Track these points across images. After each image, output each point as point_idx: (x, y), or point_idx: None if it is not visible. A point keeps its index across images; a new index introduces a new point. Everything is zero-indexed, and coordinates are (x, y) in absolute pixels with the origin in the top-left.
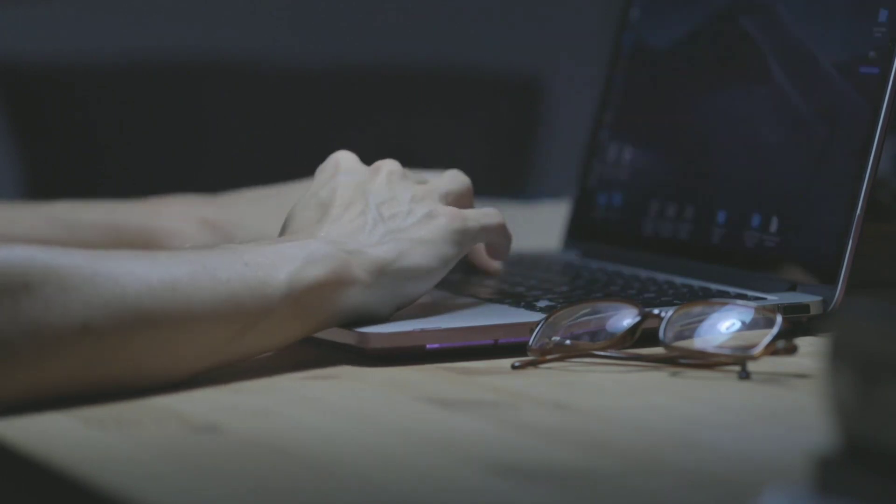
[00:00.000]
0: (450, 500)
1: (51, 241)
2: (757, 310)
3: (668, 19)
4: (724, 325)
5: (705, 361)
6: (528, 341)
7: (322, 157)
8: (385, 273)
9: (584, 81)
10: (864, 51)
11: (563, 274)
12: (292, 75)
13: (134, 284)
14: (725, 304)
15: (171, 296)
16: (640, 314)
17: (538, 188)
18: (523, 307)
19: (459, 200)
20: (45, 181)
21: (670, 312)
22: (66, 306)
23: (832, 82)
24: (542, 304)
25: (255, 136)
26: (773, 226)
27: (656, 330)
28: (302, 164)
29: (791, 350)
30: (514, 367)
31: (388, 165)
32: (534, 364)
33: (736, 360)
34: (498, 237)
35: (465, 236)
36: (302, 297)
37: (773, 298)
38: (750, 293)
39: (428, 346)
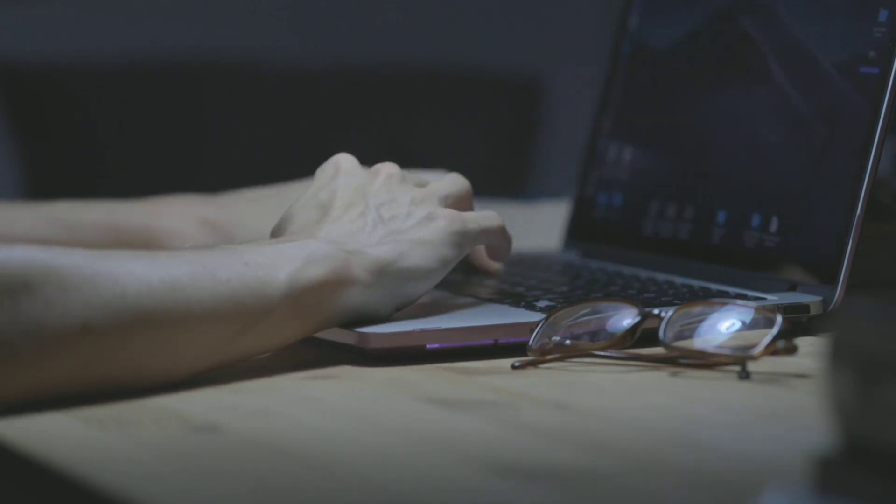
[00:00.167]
0: (450, 500)
1: (51, 241)
2: (757, 310)
3: (668, 19)
4: (724, 325)
5: (705, 361)
6: (528, 341)
7: (322, 158)
8: (385, 273)
9: (584, 82)
10: (864, 51)
11: (563, 274)
12: (292, 75)
13: (134, 284)
14: (725, 304)
15: (171, 296)
16: (640, 314)
17: (538, 188)
18: (523, 307)
19: (459, 203)
20: (45, 181)
21: (670, 312)
22: (66, 306)
23: (832, 82)
24: (542, 304)
25: (255, 136)
26: (773, 226)
27: (656, 330)
28: (302, 164)
29: (791, 350)
30: (514, 367)
31: (388, 168)
32: (534, 364)
33: (736, 360)
34: (497, 239)
35: (464, 238)
36: (302, 297)
37: (773, 298)
38: (750, 293)
39: (428, 346)
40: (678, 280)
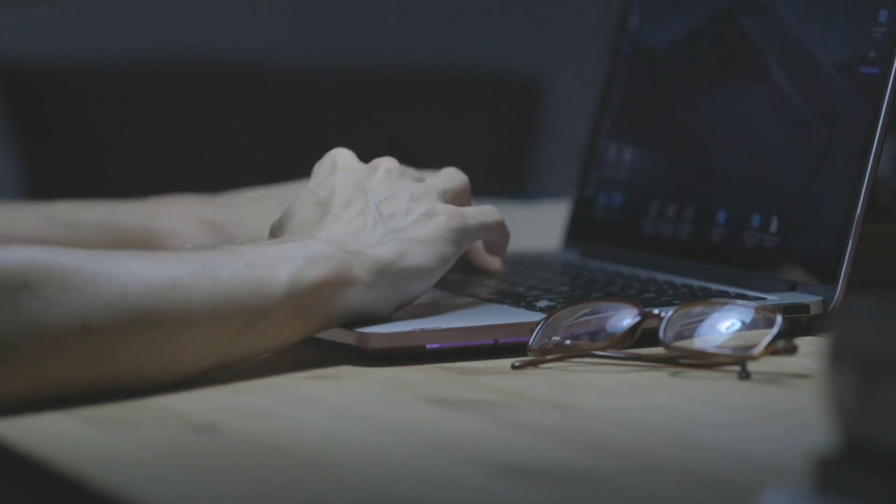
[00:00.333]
0: (450, 500)
1: (51, 241)
2: (757, 310)
3: (668, 19)
4: (724, 325)
5: (705, 361)
6: (528, 341)
7: (322, 157)
8: (386, 273)
9: (584, 82)
10: (864, 51)
11: (563, 274)
12: (292, 75)
13: (134, 284)
14: (725, 304)
15: (172, 296)
16: (640, 314)
17: (538, 188)
18: (523, 307)
19: (457, 198)
20: (45, 181)
21: (670, 312)
22: (66, 306)
23: (832, 82)
24: (542, 304)
25: (255, 136)
26: (773, 226)
27: (656, 330)
28: (302, 164)
29: (791, 350)
30: (514, 367)
31: (386, 163)
32: (534, 364)
33: (736, 360)
34: (496, 234)
35: (463, 234)
36: (302, 298)
37: (773, 298)
38: (750, 293)
39: (428, 346)
40: (678, 280)
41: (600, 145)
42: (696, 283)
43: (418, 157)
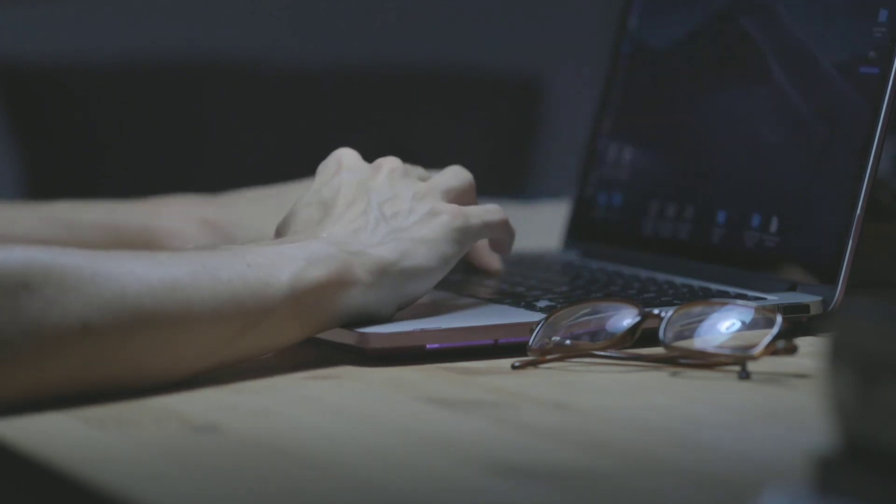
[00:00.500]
0: (450, 500)
1: (51, 241)
2: (757, 310)
3: (668, 19)
4: (724, 325)
5: (705, 361)
6: (528, 341)
7: (322, 157)
8: (387, 273)
9: (584, 82)
10: (864, 51)
11: (563, 274)
12: (292, 75)
13: (134, 284)
14: (725, 304)
15: (172, 296)
16: (640, 314)
17: (538, 188)
18: (523, 307)
19: (461, 197)
20: (45, 181)
21: (670, 312)
22: (66, 306)
23: (832, 82)
24: (542, 304)
25: (255, 136)
26: (773, 226)
27: (656, 330)
28: (302, 164)
29: (791, 350)
30: (514, 367)
31: (390, 163)
32: (534, 364)
33: (736, 360)
34: (501, 233)
35: (466, 234)
36: (303, 298)
37: (773, 298)
38: (750, 293)
39: (428, 346)
40: (678, 280)
41: (600, 145)
42: (696, 283)
43: (418, 157)
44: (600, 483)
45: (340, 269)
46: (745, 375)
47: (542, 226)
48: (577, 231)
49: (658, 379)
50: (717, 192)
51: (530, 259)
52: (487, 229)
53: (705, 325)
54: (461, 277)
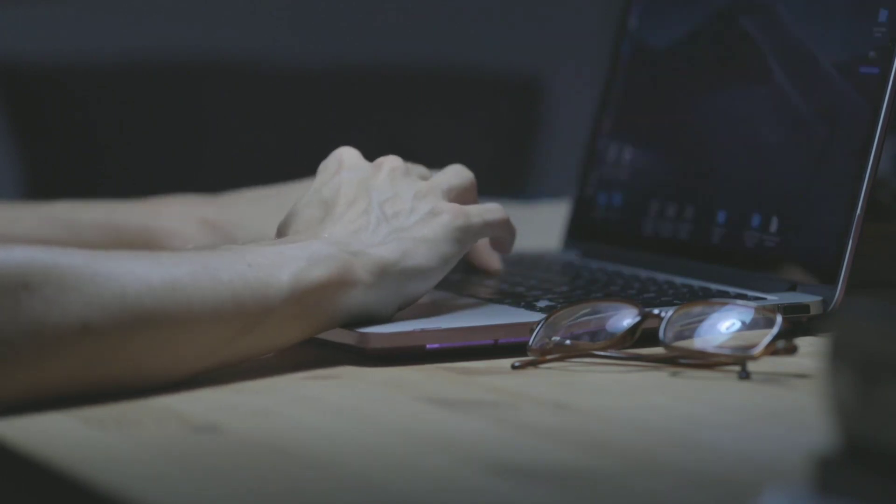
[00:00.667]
0: (450, 500)
1: (51, 241)
2: (757, 310)
3: (668, 19)
4: (724, 325)
5: (705, 361)
6: (528, 341)
7: (322, 157)
8: (388, 273)
9: (584, 82)
10: (864, 51)
11: (563, 274)
12: (292, 75)
13: (134, 284)
14: (725, 304)
15: (172, 296)
16: (640, 314)
17: (538, 188)
18: (523, 307)
19: (462, 196)
20: (45, 181)
21: (670, 312)
22: (67, 306)
23: (832, 82)
24: (542, 304)
25: (255, 136)
26: (773, 226)
27: (656, 330)
28: (302, 164)
29: (791, 350)
30: (514, 367)
31: (391, 162)
32: (534, 364)
33: (736, 360)
34: (501, 232)
35: (467, 233)
36: (304, 298)
37: (773, 298)
38: (750, 293)
39: (428, 346)
40: (678, 280)
41: (600, 145)
42: (696, 283)
43: (418, 157)
44: (600, 483)
45: (341, 269)
46: (745, 375)
47: (542, 226)
48: (577, 231)
49: (658, 379)
50: (717, 192)
51: (530, 259)
52: (488, 228)
53: (705, 325)
54: (461, 277)
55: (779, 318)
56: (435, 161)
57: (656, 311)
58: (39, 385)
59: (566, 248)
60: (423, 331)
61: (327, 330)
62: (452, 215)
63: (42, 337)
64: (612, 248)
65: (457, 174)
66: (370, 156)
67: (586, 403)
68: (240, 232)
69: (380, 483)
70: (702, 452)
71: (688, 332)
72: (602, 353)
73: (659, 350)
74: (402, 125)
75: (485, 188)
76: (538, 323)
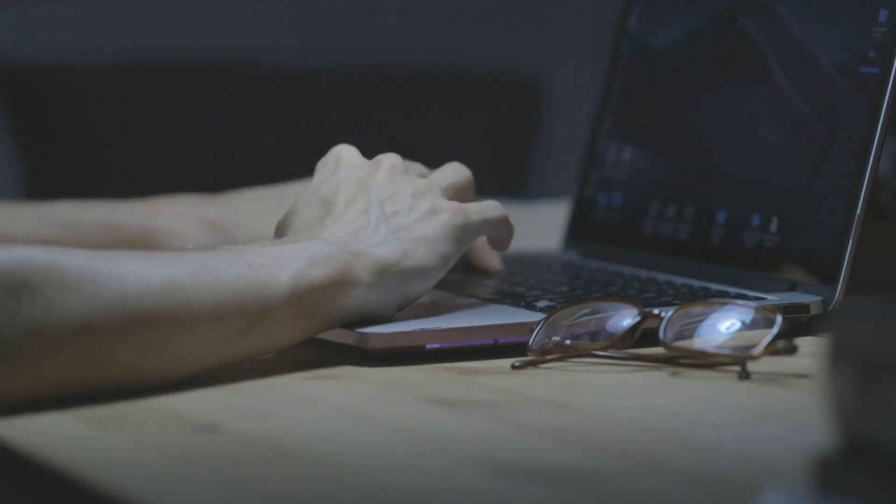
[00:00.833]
0: (450, 500)
1: (51, 241)
2: (757, 310)
3: (668, 19)
4: (724, 325)
5: (705, 361)
6: (528, 341)
7: (322, 157)
8: (388, 273)
9: (584, 81)
10: (864, 51)
11: (563, 274)
12: (292, 75)
13: (135, 284)
14: (725, 304)
15: (172, 296)
16: (640, 314)
17: (538, 188)
18: (523, 307)
19: (461, 193)
20: (45, 181)
21: (670, 312)
22: (67, 306)
23: (832, 82)
24: (542, 304)
25: (255, 136)
26: (773, 226)
27: (656, 330)
28: (302, 164)
29: (791, 350)
30: (514, 367)
31: (390, 159)
32: (534, 364)
33: (736, 360)
34: (500, 230)
35: (466, 232)
36: (304, 298)
37: (773, 298)
38: (750, 293)
39: (428, 346)
40: (678, 280)
41: (600, 145)
42: (696, 283)
43: (418, 157)
44: (600, 483)
45: (341, 269)
46: (745, 375)
47: (542, 226)
48: (577, 231)
49: (658, 379)
50: (717, 192)
51: (530, 259)
52: (487, 226)
53: (705, 325)
54: (461, 277)
55: (779, 318)
56: (435, 161)
57: (656, 311)
58: (39, 385)
59: (566, 248)
60: (423, 331)
61: (327, 330)
62: (452, 213)
63: (42, 337)
64: (612, 248)
65: (455, 172)
66: (370, 156)
67: (586, 403)
68: (240, 232)
69: (380, 483)
70: (702, 452)
71: (688, 332)
72: (602, 353)
73: (659, 350)
74: (402, 125)
75: (485, 188)
76: (538, 323)
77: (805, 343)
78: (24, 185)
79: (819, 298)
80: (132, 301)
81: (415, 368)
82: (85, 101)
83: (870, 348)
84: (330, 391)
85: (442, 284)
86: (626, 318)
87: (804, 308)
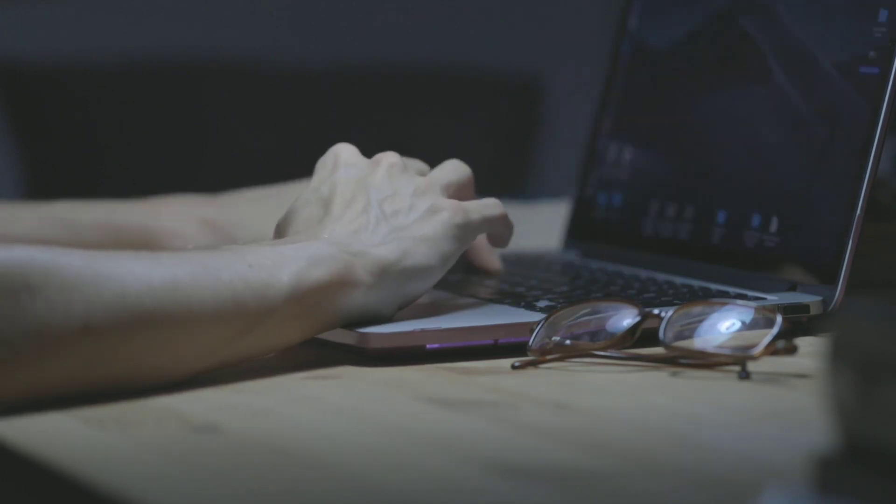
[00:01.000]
0: (450, 500)
1: (51, 241)
2: (757, 310)
3: (668, 19)
4: (724, 325)
5: (705, 361)
6: (528, 341)
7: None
8: (388, 273)
9: (584, 81)
10: (864, 51)
11: (563, 274)
12: (292, 75)
13: (135, 285)
14: (725, 304)
15: (172, 296)
16: (640, 314)
17: (538, 188)
18: (523, 307)
19: (461, 191)
20: (45, 181)
21: (670, 312)
22: (67, 306)
23: (832, 82)
24: (542, 304)
25: (255, 136)
26: (773, 226)
27: (656, 330)
28: (302, 164)
29: (791, 350)
30: (514, 367)
31: (389, 158)
32: (534, 364)
33: (736, 360)
34: (500, 227)
35: (466, 230)
36: (304, 299)
37: (773, 298)
38: (750, 293)
39: (428, 346)
40: (678, 280)
41: (600, 145)
42: (696, 283)
43: (418, 157)
44: (600, 483)
45: (342, 269)
46: (745, 375)
47: (542, 226)
48: (577, 231)
49: (658, 379)
50: (717, 192)
51: (530, 259)
52: (487, 224)
53: (705, 325)
54: (461, 277)
55: (779, 318)
56: (435, 161)
57: (656, 311)
58: (39, 385)
59: (566, 248)
60: (423, 331)
61: (327, 330)
62: (452, 212)
63: (42, 337)
64: (612, 248)
65: (455, 170)
66: (370, 156)
67: (586, 403)
68: (240, 232)
69: (380, 483)
70: (702, 452)
71: (688, 332)
72: (602, 353)
73: (659, 350)
74: (402, 125)
75: (485, 188)
76: (538, 323)
77: (805, 343)
78: (24, 185)
79: (819, 298)
80: (132, 301)
81: (415, 368)
82: (85, 101)
83: (870, 348)
84: (330, 391)
85: (442, 284)
86: (626, 318)
87: (804, 308)
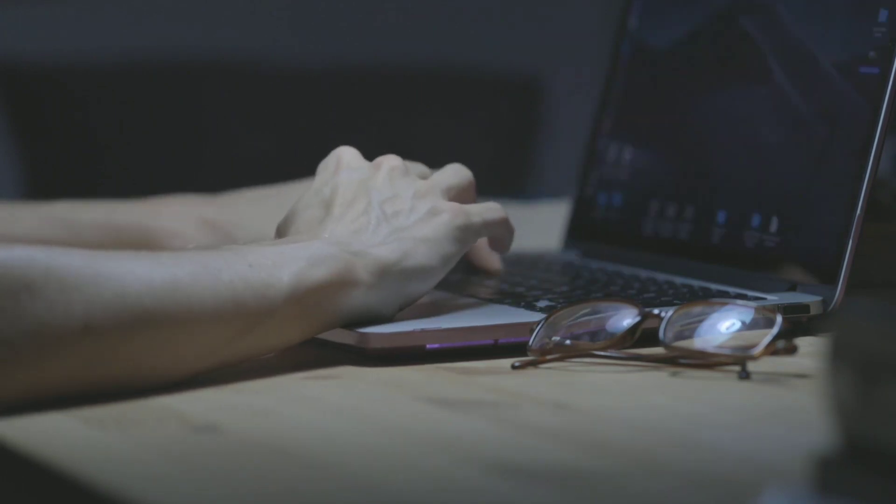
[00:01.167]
0: (450, 500)
1: (51, 241)
2: (757, 310)
3: (668, 19)
4: (724, 325)
5: (705, 361)
6: (528, 341)
7: (322, 158)
8: (388, 274)
9: (584, 81)
10: (864, 51)
11: (563, 274)
12: (292, 75)
13: (135, 284)
14: (725, 304)
15: (172, 296)
16: (640, 314)
17: (538, 188)
18: (523, 307)
19: (461, 195)
20: (45, 181)
21: (670, 312)
22: (68, 306)
23: (832, 82)
24: (542, 304)
25: (255, 137)
26: (773, 226)
27: (656, 330)
28: (302, 165)
29: (791, 350)
30: (514, 367)
31: (390, 161)
32: (534, 364)
33: (736, 360)
34: (501, 231)
35: (467, 233)
36: (305, 299)
37: (773, 298)
38: (750, 293)
39: (428, 346)
40: (678, 280)
41: (600, 145)
42: (696, 283)
43: (418, 157)
44: (600, 483)
45: (342, 269)
46: (745, 375)
47: (542, 226)
48: (577, 231)
49: (658, 379)
50: (717, 192)
51: (530, 259)
52: (488, 227)
53: (705, 325)
54: (461, 277)
55: (779, 318)
56: (435, 161)
57: (656, 311)
58: (39, 385)
59: (566, 248)
60: (423, 331)
61: (328, 330)
62: (452, 214)
63: (43, 337)
64: (612, 248)
65: (456, 173)
66: (370, 156)
67: (586, 403)
68: (240, 232)
69: (380, 483)
70: (702, 452)
71: (688, 332)
72: (602, 353)
73: (659, 350)
74: (402, 125)
75: (485, 188)
76: (538, 323)
77: (805, 343)
78: (24, 185)
79: (819, 298)
80: (132, 301)
81: (415, 368)
82: (85, 101)
83: (870, 348)
84: (330, 391)
85: (442, 284)
86: (626, 318)
87: (804, 308)
